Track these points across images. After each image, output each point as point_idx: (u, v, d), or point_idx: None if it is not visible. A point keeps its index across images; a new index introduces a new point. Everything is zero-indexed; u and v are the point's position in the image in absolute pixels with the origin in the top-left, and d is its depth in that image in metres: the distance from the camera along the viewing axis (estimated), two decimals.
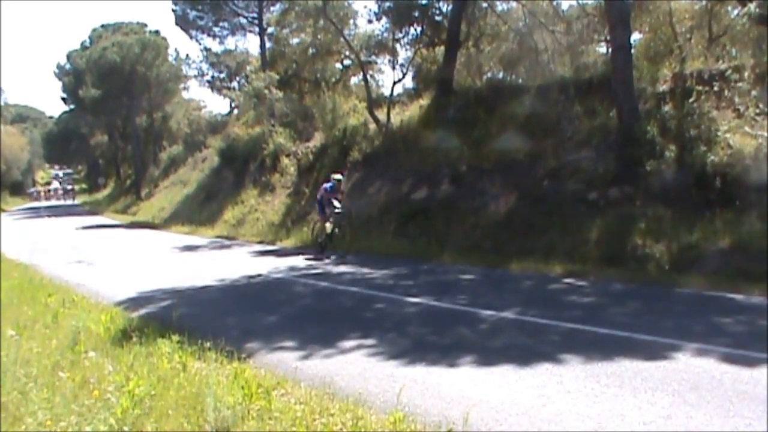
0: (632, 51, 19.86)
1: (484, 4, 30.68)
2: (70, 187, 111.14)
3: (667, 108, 18.45)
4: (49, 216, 57.68)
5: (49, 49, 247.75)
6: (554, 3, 29.78)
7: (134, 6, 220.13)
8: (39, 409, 6.14)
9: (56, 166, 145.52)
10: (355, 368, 8.63)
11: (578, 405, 6.92)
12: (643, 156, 17.39)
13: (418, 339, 10.13)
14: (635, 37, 24.90)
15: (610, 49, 22.01)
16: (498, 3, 31.95)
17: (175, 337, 9.03)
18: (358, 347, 9.62)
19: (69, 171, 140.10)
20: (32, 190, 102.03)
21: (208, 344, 8.65)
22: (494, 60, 34.15)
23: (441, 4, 31.06)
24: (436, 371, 8.30)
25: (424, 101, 29.06)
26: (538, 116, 21.90)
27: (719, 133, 16.76)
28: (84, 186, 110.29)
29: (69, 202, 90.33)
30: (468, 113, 24.81)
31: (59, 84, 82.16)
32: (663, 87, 19.39)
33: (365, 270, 17.65)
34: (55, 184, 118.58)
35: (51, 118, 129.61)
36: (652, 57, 22.95)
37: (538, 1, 29.66)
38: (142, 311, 13.01)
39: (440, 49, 31.04)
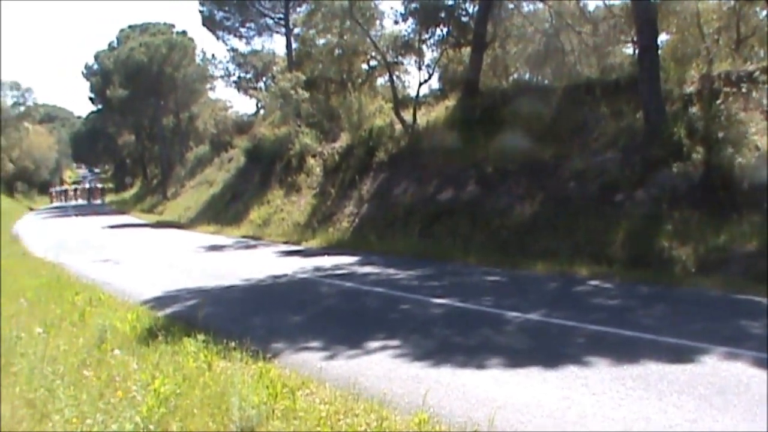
0: (659, 52, 19.79)
1: (511, 5, 30.65)
2: (97, 186, 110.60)
3: (694, 109, 18.31)
4: (76, 215, 57.98)
5: (77, 49, 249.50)
6: (581, 4, 29.67)
7: (161, 7, 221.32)
8: (66, 407, 6.20)
9: (84, 166, 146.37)
10: (380, 369, 8.65)
11: (603, 408, 6.91)
12: (669, 158, 17.31)
13: (444, 340, 10.13)
14: (662, 38, 24.78)
15: (636, 51, 21.94)
16: (524, 4, 31.90)
17: (201, 337, 9.06)
18: (383, 348, 9.64)
19: (96, 170, 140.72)
20: (52, 189, 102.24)
21: (233, 344, 8.71)
22: (520, 61, 34.11)
23: (467, 5, 31.04)
24: (461, 373, 8.31)
25: (450, 102, 29.07)
26: (564, 117, 21.86)
27: (747, 135, 16.64)
28: (111, 185, 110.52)
29: (98, 201, 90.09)
30: (494, 114, 24.76)
31: (87, 84, 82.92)
32: (690, 88, 19.27)
33: (390, 271, 17.66)
34: (86, 184, 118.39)
35: (79, 117, 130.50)
36: (679, 58, 22.80)
37: (565, 2, 29.57)
38: (168, 310, 13.11)
39: (466, 50, 31.07)
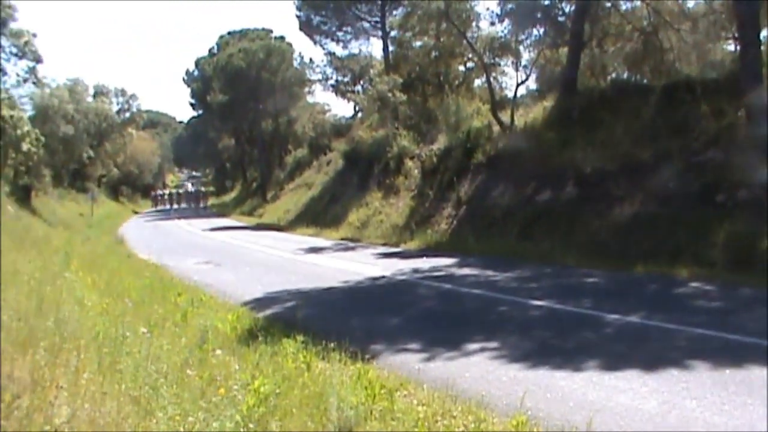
0: (762, 48, 19.36)
1: (608, 4, 30.26)
2: (199, 189, 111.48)
3: None
4: (178, 218, 59.06)
5: (179, 56, 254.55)
6: (679, 1, 29.19)
7: (260, 12, 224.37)
8: (169, 404, 6.36)
9: (185, 170, 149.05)
10: (478, 371, 8.72)
11: (705, 413, 6.86)
12: None
13: (542, 342, 10.16)
14: (765, 33, 24.21)
15: (738, 47, 21.50)
16: (622, 2, 31.46)
17: (300, 337, 9.25)
18: (481, 350, 9.70)
19: (197, 174, 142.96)
20: (155, 193, 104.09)
21: (331, 345, 8.89)
22: (618, 60, 33.62)
23: (564, 4, 30.82)
24: (559, 375, 8.33)
25: (548, 103, 28.88)
26: (663, 117, 21.51)
27: None
28: (212, 189, 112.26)
29: (200, 205, 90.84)
30: (592, 114, 24.51)
31: (188, 90, 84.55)
32: None
33: (488, 272, 17.68)
34: (187, 188, 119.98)
35: (180, 123, 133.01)
36: None
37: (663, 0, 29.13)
38: (268, 311, 13.39)
39: (563, 50, 30.82)
